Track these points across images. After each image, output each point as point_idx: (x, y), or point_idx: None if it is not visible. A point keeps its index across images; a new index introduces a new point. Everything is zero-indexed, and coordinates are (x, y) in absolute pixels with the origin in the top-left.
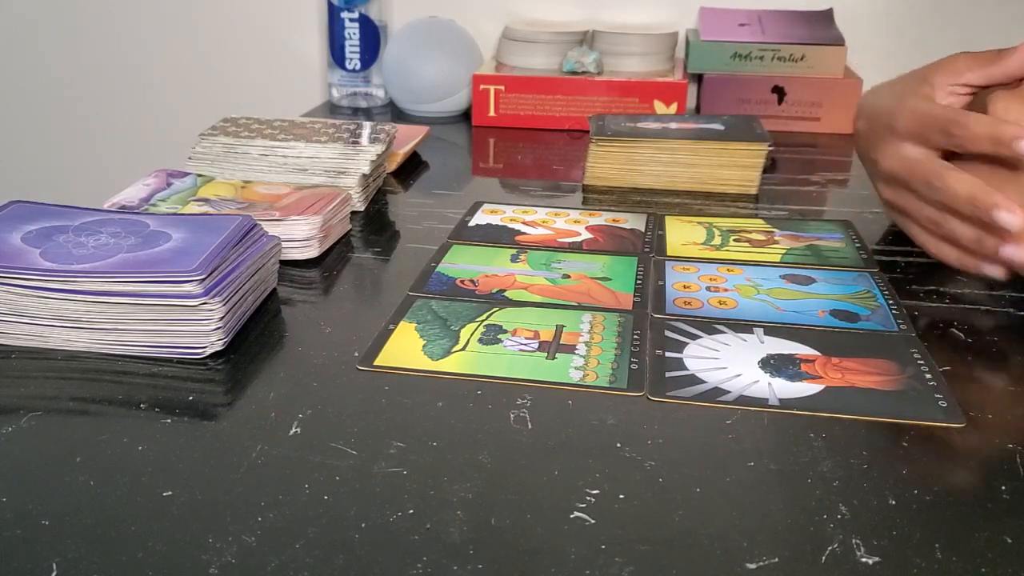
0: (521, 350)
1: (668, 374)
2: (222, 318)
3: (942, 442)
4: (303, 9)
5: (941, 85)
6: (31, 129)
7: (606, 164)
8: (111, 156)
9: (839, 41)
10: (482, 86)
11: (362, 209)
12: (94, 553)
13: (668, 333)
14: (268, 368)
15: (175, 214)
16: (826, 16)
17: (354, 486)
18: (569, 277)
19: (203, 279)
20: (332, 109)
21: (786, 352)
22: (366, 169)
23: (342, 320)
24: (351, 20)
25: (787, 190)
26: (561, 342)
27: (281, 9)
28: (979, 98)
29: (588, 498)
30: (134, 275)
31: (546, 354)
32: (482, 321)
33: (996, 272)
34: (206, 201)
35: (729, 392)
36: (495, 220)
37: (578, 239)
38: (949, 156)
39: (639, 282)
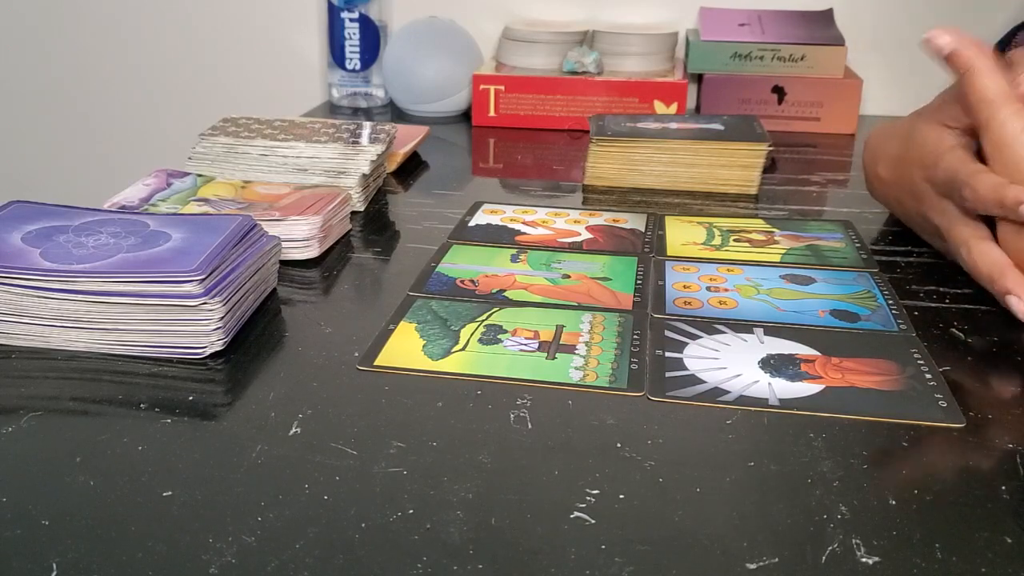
0: (521, 350)
1: (668, 374)
2: (222, 318)
3: (942, 442)
4: (303, 9)
5: (953, 137)
6: (31, 129)
7: (606, 164)
8: (111, 156)
9: (839, 41)
10: (482, 86)
11: (362, 209)
12: (94, 553)
13: (668, 333)
14: (268, 368)
15: (175, 214)
16: (826, 16)
17: (354, 486)
18: (569, 277)
19: (203, 279)
20: (332, 109)
21: (786, 352)
22: (366, 169)
23: (342, 320)
24: (351, 20)
25: (787, 190)
26: (561, 342)
27: (281, 9)
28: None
29: (588, 498)
30: (134, 275)
31: (546, 354)
32: (482, 321)
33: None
34: (206, 201)
35: (729, 392)
36: (495, 220)
37: (578, 239)
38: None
39: (639, 282)
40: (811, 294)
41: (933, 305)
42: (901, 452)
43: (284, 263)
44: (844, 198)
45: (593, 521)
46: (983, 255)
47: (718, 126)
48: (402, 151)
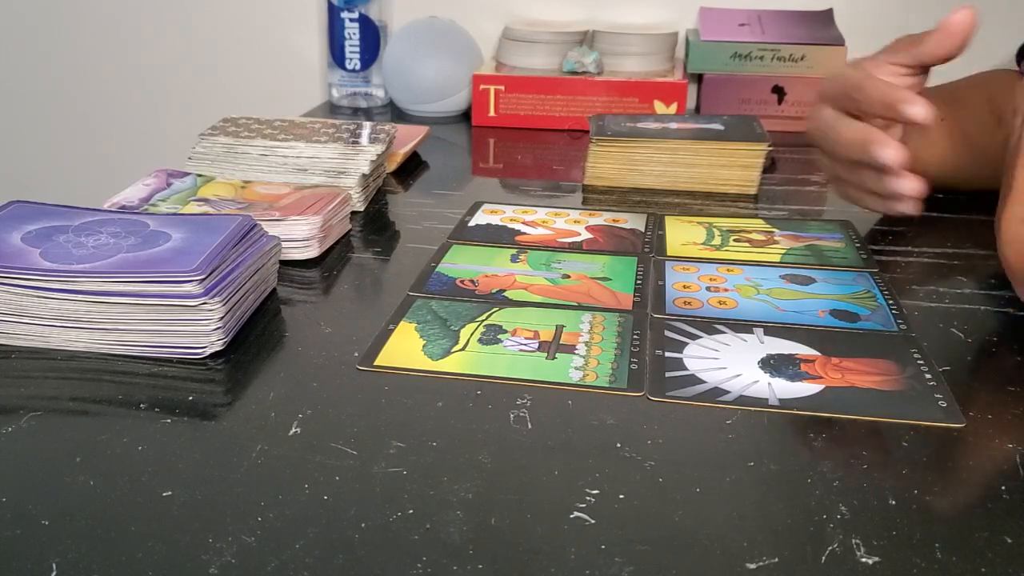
0: (521, 350)
1: (668, 374)
2: (222, 318)
3: (942, 442)
4: (303, 9)
5: (880, 62)
6: (31, 129)
7: (606, 164)
8: (111, 156)
9: (839, 41)
10: (482, 86)
11: (362, 209)
12: (94, 553)
13: (668, 333)
14: (268, 368)
15: (175, 214)
16: (826, 16)
17: (354, 486)
18: (569, 277)
19: (203, 279)
20: (332, 109)
21: (786, 352)
22: (366, 169)
23: (342, 320)
24: (351, 20)
25: (787, 190)
26: (561, 342)
27: (281, 9)
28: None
29: (588, 498)
30: (134, 275)
31: (546, 354)
32: (482, 321)
33: (907, 208)
34: (206, 201)
35: (729, 392)
36: (495, 220)
37: (578, 239)
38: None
39: (639, 282)
40: (811, 294)
41: (933, 305)
42: (901, 452)
43: (284, 263)
44: None
45: (593, 521)
46: (851, 127)
47: (718, 126)
48: (402, 151)
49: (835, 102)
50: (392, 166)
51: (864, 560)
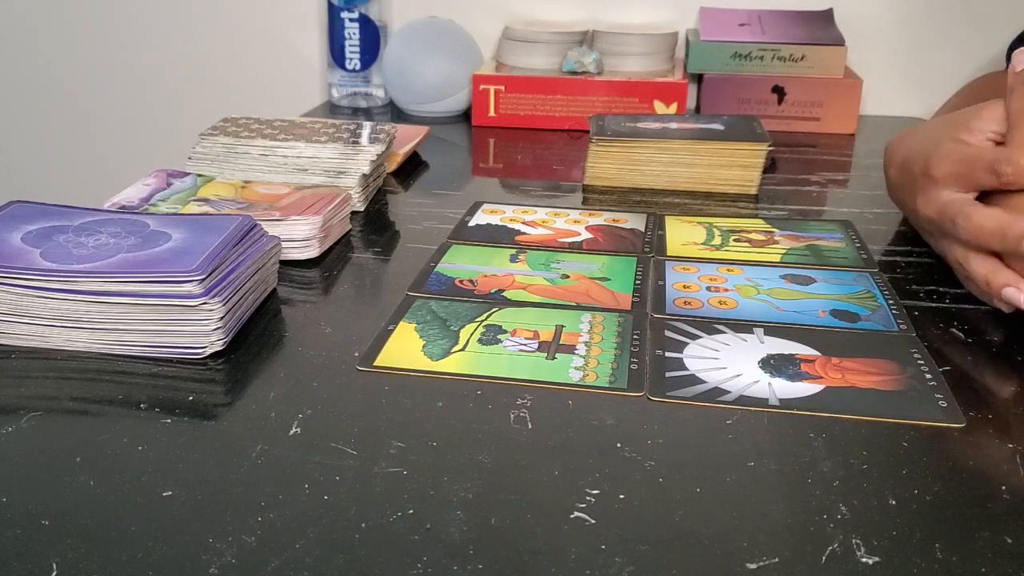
0: (521, 350)
1: (668, 374)
2: (222, 318)
3: (942, 442)
4: (303, 9)
5: (982, 131)
6: (31, 129)
7: (606, 164)
8: (111, 156)
9: (839, 41)
10: (482, 86)
11: (362, 209)
12: (94, 553)
13: (668, 333)
14: (268, 368)
15: (175, 214)
16: (826, 16)
17: (354, 486)
18: (568, 277)
19: (203, 279)
20: (332, 109)
21: (786, 352)
22: (366, 169)
23: (342, 320)
24: (351, 20)
25: (787, 190)
26: (561, 342)
27: (281, 9)
28: None
29: (588, 498)
30: (134, 275)
31: (546, 354)
32: (482, 321)
33: (1004, 307)
34: (206, 201)
35: (729, 392)
36: (495, 220)
37: (578, 239)
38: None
39: (638, 282)
40: (811, 294)
41: (933, 305)
42: (901, 452)
43: (284, 263)
44: (844, 198)
45: (593, 521)
46: (987, 214)
47: (718, 126)
48: (402, 151)
49: (960, 182)
50: (392, 166)
51: (864, 560)
